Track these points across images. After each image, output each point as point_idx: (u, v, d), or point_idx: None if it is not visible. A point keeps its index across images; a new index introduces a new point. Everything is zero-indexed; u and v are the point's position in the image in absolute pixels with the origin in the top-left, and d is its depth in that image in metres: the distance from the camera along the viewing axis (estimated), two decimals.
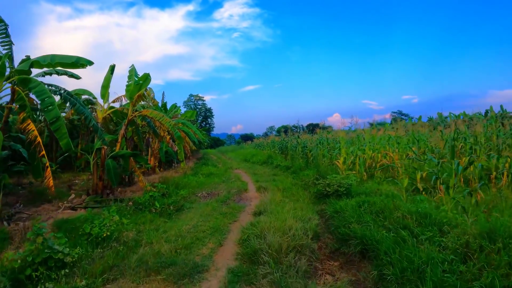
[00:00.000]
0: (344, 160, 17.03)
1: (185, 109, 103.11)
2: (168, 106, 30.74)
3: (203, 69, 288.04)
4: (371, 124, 34.04)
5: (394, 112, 78.82)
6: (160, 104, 29.79)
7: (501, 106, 27.78)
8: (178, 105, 32.73)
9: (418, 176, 14.07)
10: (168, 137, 21.51)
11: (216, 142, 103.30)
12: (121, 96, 18.07)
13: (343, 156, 17.11)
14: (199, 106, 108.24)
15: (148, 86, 16.26)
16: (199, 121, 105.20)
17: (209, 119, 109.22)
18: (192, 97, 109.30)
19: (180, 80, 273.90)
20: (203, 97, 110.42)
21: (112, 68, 16.15)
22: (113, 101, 17.87)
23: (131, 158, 16.43)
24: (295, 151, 27.23)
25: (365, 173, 16.36)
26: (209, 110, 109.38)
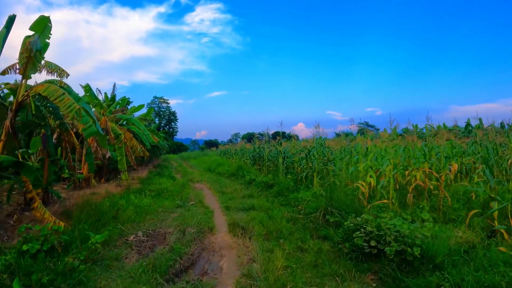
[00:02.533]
0: (369, 183, 10.33)
1: None
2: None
3: (171, 72, 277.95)
4: (337, 134, 28.58)
5: (361, 123, 75.37)
6: (109, 97, 22.72)
7: (480, 120, 24.60)
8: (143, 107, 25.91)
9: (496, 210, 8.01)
10: (109, 137, 14.48)
11: (179, 147, 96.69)
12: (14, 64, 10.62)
13: (368, 176, 10.42)
14: (163, 109, 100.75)
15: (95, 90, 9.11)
16: (162, 124, 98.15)
17: (173, 123, 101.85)
18: (157, 100, 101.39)
19: (146, 83, 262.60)
20: (168, 100, 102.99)
21: (10, 20, 9.19)
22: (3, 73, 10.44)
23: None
24: (274, 163, 20.49)
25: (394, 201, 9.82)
26: (173, 114, 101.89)
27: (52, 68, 10.77)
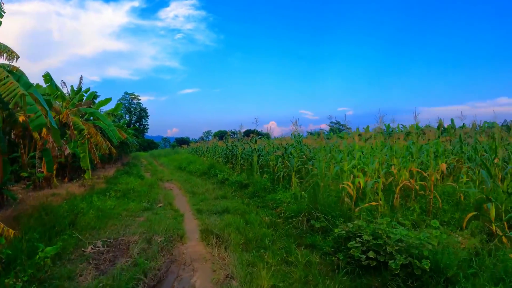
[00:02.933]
0: (357, 184, 9.36)
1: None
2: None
3: (143, 68, 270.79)
4: (309, 133, 27.62)
5: (332, 122, 74.67)
6: (75, 89, 21.08)
7: (452, 120, 24.07)
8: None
9: (493, 212, 7.43)
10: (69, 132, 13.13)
11: (150, 145, 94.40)
12: None
13: (354, 176, 9.47)
14: (134, 106, 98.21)
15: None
16: (133, 121, 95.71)
17: (143, 120, 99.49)
18: (127, 96, 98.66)
19: (118, 78, 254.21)
20: (139, 96, 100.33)
21: None
22: None
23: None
24: (248, 161, 19.41)
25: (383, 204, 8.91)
26: (144, 111, 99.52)
27: (1, 49, 9.39)
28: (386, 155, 10.44)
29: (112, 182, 17.05)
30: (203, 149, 36.56)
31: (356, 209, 8.30)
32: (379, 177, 9.00)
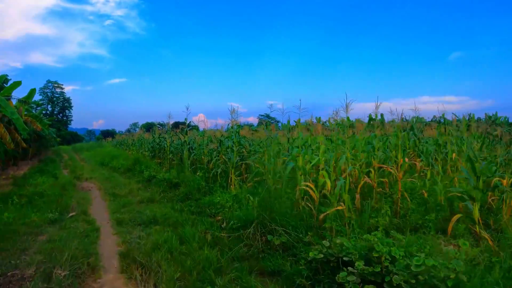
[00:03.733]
0: (320, 185, 7.48)
1: (40, 97, 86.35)
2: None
3: (68, 55, 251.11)
4: (238, 126, 26.01)
5: (262, 115, 73.77)
6: None
7: (382, 115, 23.65)
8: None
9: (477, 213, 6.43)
10: None
11: (74, 138, 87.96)
12: None
13: (318, 175, 7.59)
14: (57, 95, 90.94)
15: None
16: (56, 112, 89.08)
17: (67, 111, 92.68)
18: (50, 84, 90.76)
19: (42, 65, 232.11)
20: (62, 85, 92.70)
21: None
22: None
23: None
24: (178, 155, 17.13)
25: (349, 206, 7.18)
26: (68, 101, 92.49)
27: None
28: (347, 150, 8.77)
29: (20, 183, 14.03)
30: (128, 142, 33.54)
31: (320, 216, 6.46)
32: (343, 176, 7.21)
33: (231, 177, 10.97)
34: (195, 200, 10.33)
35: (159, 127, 30.42)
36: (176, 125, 23.69)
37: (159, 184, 13.37)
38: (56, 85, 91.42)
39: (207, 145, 13.68)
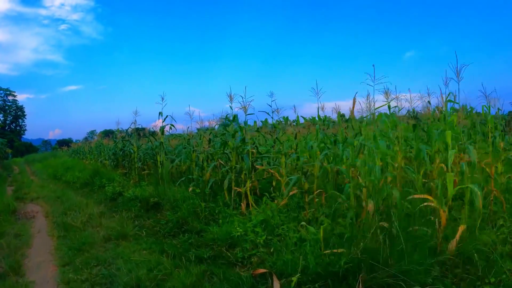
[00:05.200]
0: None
1: None
2: None
3: (22, 62, 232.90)
4: (198, 130, 22.38)
5: (223, 118, 69.70)
6: None
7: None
8: None
9: None
10: None
11: (28, 149, 79.79)
12: None
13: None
14: (9, 103, 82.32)
15: None
16: (8, 121, 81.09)
17: (20, 120, 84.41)
18: (1, 91, 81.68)
19: None
20: (15, 92, 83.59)
21: None
22: None
23: None
24: (148, 164, 12.97)
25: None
26: (21, 109, 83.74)
27: None
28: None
29: None
30: (85, 150, 28.22)
31: None
32: None
33: (244, 190, 7.08)
34: (196, 234, 6.28)
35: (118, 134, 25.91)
36: (137, 131, 19.03)
37: (129, 204, 9.15)
38: (7, 92, 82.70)
39: (194, 148, 9.52)
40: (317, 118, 8.46)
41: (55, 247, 6.81)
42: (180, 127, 13.19)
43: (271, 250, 4.99)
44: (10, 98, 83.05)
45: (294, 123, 9.48)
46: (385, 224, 4.35)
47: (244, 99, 7.51)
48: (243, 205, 6.99)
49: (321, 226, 4.52)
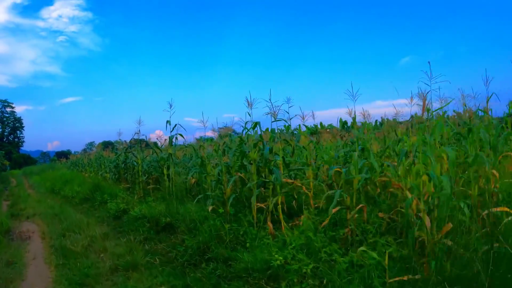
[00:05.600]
0: None
1: None
2: None
3: (20, 74, 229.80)
4: (197, 140, 21.44)
5: (221, 128, 68.72)
6: None
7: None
8: None
9: None
10: None
11: (27, 161, 78.26)
12: None
13: None
14: (7, 115, 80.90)
15: None
16: (6, 133, 79.67)
17: (18, 132, 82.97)
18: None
19: None
20: (13, 104, 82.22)
21: None
22: None
23: None
24: (154, 178, 11.91)
25: None
26: (19, 121, 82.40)
27: None
28: None
29: None
30: (84, 163, 26.98)
31: None
32: None
33: (271, 208, 6.03)
34: (223, 262, 5.18)
35: (116, 145, 24.76)
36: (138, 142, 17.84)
37: (135, 224, 8.00)
38: (5, 104, 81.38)
39: (207, 159, 8.41)
40: (349, 124, 7.48)
41: (53, 279, 5.69)
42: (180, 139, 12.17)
43: (323, 282, 3.98)
44: (8, 109, 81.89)
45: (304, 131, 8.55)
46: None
47: (272, 104, 6.47)
48: (270, 225, 5.92)
49: (387, 250, 3.67)
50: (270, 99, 6.56)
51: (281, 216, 5.95)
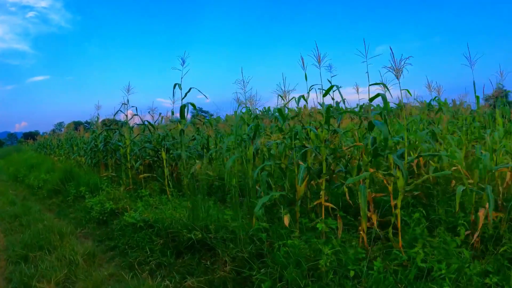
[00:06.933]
0: None
1: None
2: None
3: None
4: (171, 121, 18.57)
5: (194, 109, 65.61)
6: None
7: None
8: None
9: None
10: None
11: None
12: None
13: None
14: None
15: None
16: None
17: None
18: None
19: None
20: None
21: None
22: None
23: None
24: (146, 162, 8.94)
25: None
26: None
27: None
28: None
29: None
30: (53, 144, 22.95)
31: None
32: None
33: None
34: None
35: (86, 126, 21.23)
36: (105, 122, 14.05)
37: (135, 237, 5.07)
38: None
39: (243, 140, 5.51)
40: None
41: None
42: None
43: None
44: None
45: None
46: None
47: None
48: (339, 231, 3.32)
49: None
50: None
51: (374, 218, 3.34)
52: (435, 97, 6.59)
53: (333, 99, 5.27)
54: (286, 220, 3.94)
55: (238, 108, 6.10)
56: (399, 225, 3.67)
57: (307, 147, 4.45)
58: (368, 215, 3.75)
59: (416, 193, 4.39)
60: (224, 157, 6.61)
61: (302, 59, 4.59)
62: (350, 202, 4.20)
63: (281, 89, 5.06)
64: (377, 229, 3.68)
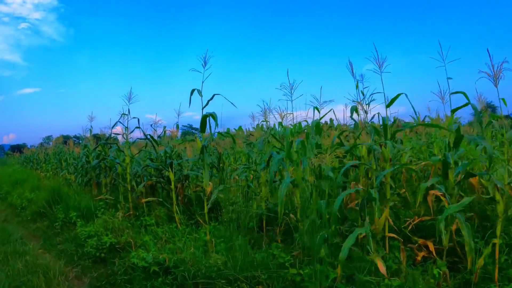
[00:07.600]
0: None
1: None
2: None
3: None
4: (160, 137, 17.95)
5: (185, 126, 66.23)
6: None
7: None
8: None
9: None
10: None
11: None
12: None
13: None
14: None
15: None
16: None
17: None
18: None
19: None
20: None
21: None
22: None
23: None
24: (162, 184, 7.60)
25: None
26: None
27: None
28: None
29: None
30: (40, 158, 21.05)
31: None
32: None
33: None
34: None
35: (75, 140, 19.77)
36: (96, 137, 12.43)
37: (146, 286, 3.88)
38: None
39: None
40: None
41: None
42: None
43: None
44: None
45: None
46: None
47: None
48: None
49: None
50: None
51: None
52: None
53: (366, 112, 4.37)
54: (381, 265, 2.78)
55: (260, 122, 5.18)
56: (496, 255, 3.12)
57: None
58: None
59: None
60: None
61: (350, 63, 4.12)
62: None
63: (317, 100, 4.64)
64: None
